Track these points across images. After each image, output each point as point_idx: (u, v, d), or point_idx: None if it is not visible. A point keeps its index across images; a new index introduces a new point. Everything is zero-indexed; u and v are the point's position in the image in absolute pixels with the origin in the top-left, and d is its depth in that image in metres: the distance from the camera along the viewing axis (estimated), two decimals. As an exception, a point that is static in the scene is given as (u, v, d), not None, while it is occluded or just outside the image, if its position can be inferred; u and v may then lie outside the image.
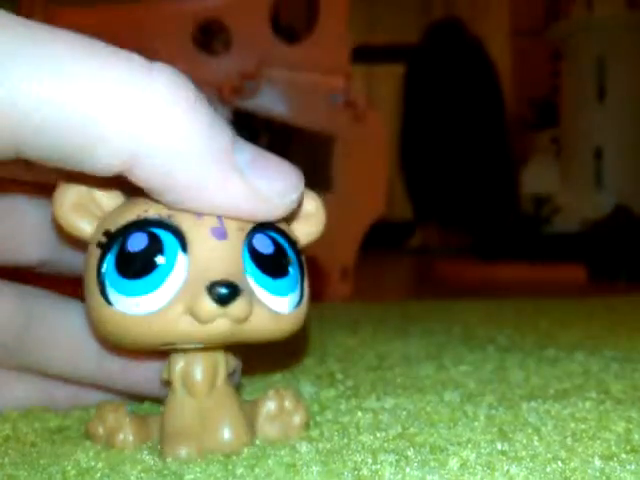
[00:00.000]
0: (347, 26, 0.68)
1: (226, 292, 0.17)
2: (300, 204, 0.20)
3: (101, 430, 0.19)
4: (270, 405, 0.20)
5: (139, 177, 0.17)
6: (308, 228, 0.20)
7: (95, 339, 0.22)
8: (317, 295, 0.69)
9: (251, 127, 1.00)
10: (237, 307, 0.17)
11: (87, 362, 0.22)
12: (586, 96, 1.48)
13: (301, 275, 0.19)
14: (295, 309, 0.19)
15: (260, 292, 0.18)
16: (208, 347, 0.19)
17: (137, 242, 0.18)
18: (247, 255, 0.18)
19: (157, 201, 0.18)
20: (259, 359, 0.30)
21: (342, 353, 0.36)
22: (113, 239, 0.18)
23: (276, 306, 0.18)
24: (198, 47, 0.69)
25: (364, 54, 2.04)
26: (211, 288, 0.17)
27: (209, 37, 0.80)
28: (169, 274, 0.17)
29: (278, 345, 0.19)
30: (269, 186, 0.18)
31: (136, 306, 0.17)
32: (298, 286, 0.19)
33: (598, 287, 0.93)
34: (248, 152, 0.18)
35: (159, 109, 0.16)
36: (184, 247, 0.17)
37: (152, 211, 0.18)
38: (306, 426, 0.20)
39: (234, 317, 0.17)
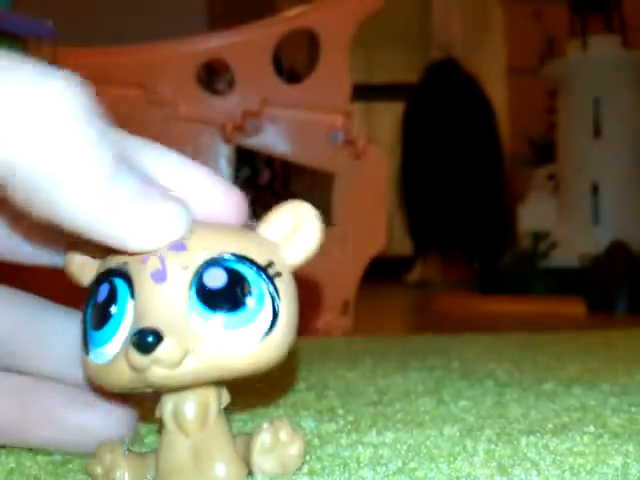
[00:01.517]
0: (347, 67, 0.70)
1: (145, 340, 0.16)
2: (284, 222, 0.19)
3: (99, 470, 0.20)
4: (265, 437, 0.19)
5: (10, 191, 0.16)
6: (300, 243, 0.19)
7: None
8: (318, 329, 0.69)
9: (253, 164, 1.02)
10: (162, 352, 0.16)
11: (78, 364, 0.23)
12: (582, 133, 1.50)
13: (272, 302, 0.18)
14: (261, 341, 0.18)
15: (208, 330, 0.17)
16: (199, 384, 0.19)
17: (102, 292, 0.18)
18: (194, 293, 0.18)
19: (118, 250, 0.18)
20: (247, 394, 0.30)
21: (342, 388, 0.36)
22: (91, 291, 0.19)
23: (230, 342, 0.17)
24: (202, 86, 0.70)
25: (364, 93, 2.08)
26: (132, 338, 0.17)
27: (213, 76, 0.81)
28: (121, 322, 0.18)
29: (266, 378, 0.19)
30: (146, 224, 0.17)
31: (100, 356, 0.18)
32: (260, 316, 0.18)
33: (597, 321, 0.93)
34: (133, 182, 0.17)
35: (43, 117, 0.15)
36: (132, 293, 0.18)
37: (114, 260, 0.18)
38: (303, 457, 0.20)
39: (164, 362, 0.17)
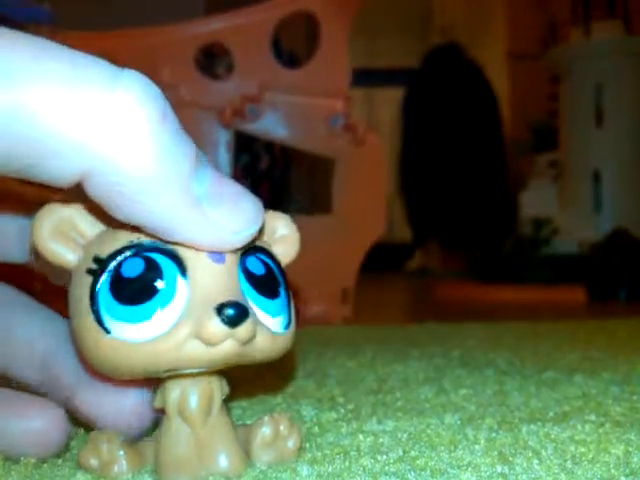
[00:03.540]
0: (347, 51, 0.69)
1: (236, 313, 0.17)
2: (269, 230, 0.20)
3: (94, 462, 0.19)
4: (265, 431, 0.19)
5: (91, 192, 0.16)
6: (283, 250, 0.21)
7: (85, 367, 0.21)
8: (318, 317, 0.69)
9: (252, 150, 1.01)
10: (245, 328, 0.17)
11: (32, 369, 0.22)
12: (584, 120, 1.50)
13: (288, 296, 0.20)
14: (287, 329, 0.19)
15: (258, 313, 0.18)
16: (204, 374, 0.19)
17: (133, 267, 0.17)
18: (243, 277, 0.18)
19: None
20: (252, 383, 0.30)
21: (342, 376, 0.36)
22: (105, 265, 0.17)
23: (272, 326, 0.19)
24: (201, 70, 0.70)
25: (364, 78, 2.07)
26: (220, 310, 0.17)
27: (212, 60, 0.81)
28: (171, 299, 0.17)
29: (267, 368, 0.20)
30: (226, 220, 0.17)
31: (137, 332, 0.17)
32: (287, 307, 0.19)
33: (597, 309, 0.93)
34: (208, 181, 0.17)
35: (121, 125, 0.15)
36: (183, 271, 0.17)
37: (146, 237, 0.17)
38: (301, 450, 0.20)
39: (241, 338, 0.17)
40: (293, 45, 1.02)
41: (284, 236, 0.21)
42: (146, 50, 0.69)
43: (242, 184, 0.19)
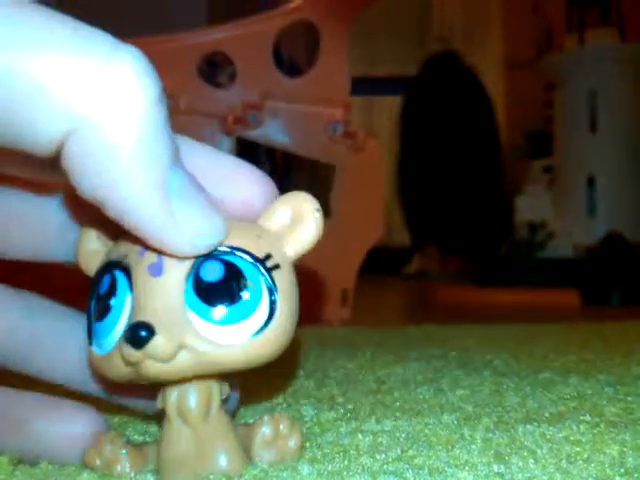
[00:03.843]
0: (347, 59, 0.70)
1: (138, 335, 0.17)
2: (278, 219, 0.19)
3: (98, 461, 0.20)
4: (265, 430, 0.20)
5: (65, 157, 0.15)
6: (297, 238, 0.19)
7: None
8: (317, 318, 0.69)
9: (253, 156, 1.02)
10: (154, 347, 0.17)
11: (83, 375, 0.22)
12: (578, 127, 1.50)
13: (269, 296, 0.18)
14: (257, 336, 0.18)
15: (203, 325, 0.17)
16: (200, 376, 0.19)
17: (104, 284, 0.19)
18: (190, 286, 0.18)
19: (123, 237, 0.18)
20: (254, 384, 0.31)
21: (342, 376, 0.36)
22: (95, 282, 0.19)
23: (225, 337, 0.17)
24: (203, 79, 0.70)
25: (364, 86, 2.07)
26: (126, 332, 0.17)
27: (215, 69, 0.81)
28: (120, 315, 0.18)
29: (269, 366, 0.19)
30: (191, 222, 0.17)
31: (101, 347, 0.18)
32: (256, 310, 0.18)
33: (592, 312, 0.93)
34: (182, 178, 0.16)
35: (117, 91, 0.15)
36: (130, 286, 0.18)
37: (115, 252, 0.19)
38: (302, 449, 0.20)
39: (156, 357, 0.17)
40: (293, 54, 1.03)
41: (294, 221, 0.19)
42: (150, 58, 0.69)
43: None
